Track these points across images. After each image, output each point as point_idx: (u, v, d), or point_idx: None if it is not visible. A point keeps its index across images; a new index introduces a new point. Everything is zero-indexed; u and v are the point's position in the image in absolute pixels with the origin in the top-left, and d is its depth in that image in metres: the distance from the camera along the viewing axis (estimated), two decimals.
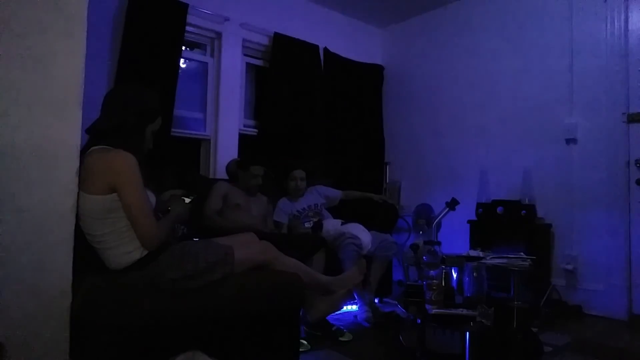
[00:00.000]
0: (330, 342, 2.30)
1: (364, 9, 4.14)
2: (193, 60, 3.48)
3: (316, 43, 3.91)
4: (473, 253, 2.35)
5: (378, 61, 4.48)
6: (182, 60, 3.18)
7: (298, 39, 3.79)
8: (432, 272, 2.08)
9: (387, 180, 4.34)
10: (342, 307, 2.15)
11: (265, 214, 2.96)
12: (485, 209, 3.31)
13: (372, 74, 4.40)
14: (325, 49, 4.00)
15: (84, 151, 1.51)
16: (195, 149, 3.50)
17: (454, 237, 3.36)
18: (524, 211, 3.11)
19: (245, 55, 3.68)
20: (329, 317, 2.30)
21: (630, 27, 2.91)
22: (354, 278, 2.17)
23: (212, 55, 3.50)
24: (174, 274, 1.50)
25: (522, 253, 2.24)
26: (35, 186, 1.34)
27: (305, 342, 2.18)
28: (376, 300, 2.93)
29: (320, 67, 3.95)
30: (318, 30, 4.00)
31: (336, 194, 3.33)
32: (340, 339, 2.34)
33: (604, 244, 2.93)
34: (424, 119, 4.12)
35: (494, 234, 3.14)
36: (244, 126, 3.66)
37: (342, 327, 2.43)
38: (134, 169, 1.50)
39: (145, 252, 1.55)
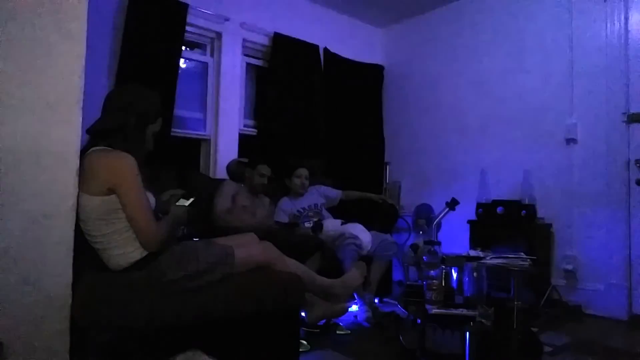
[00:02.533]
0: (328, 335, 2.33)
1: (364, 9, 4.13)
2: (193, 60, 3.48)
3: (316, 43, 3.91)
4: (473, 253, 2.35)
5: (378, 61, 4.48)
6: (182, 60, 3.18)
7: (298, 39, 3.79)
8: (432, 272, 2.08)
9: (387, 180, 4.34)
10: (345, 313, 2.14)
11: (268, 216, 2.96)
12: (485, 209, 3.31)
13: (372, 74, 4.40)
14: (325, 49, 4.00)
15: (84, 151, 1.51)
16: (195, 149, 3.50)
17: (454, 237, 3.36)
18: (524, 211, 3.11)
19: (245, 55, 3.68)
20: None
21: (630, 27, 2.91)
22: (355, 281, 2.16)
23: (212, 55, 3.50)
24: (174, 274, 1.50)
25: (522, 253, 2.24)
26: (35, 186, 1.34)
27: (305, 342, 2.18)
28: (376, 300, 2.93)
29: (320, 67, 3.95)
30: (318, 30, 4.00)
31: (336, 194, 3.33)
32: (338, 332, 2.38)
33: (604, 244, 2.93)
34: (424, 119, 4.12)
35: (494, 234, 3.13)
36: (244, 126, 3.66)
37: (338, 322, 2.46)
38: (133, 170, 1.50)
39: (146, 253, 1.55)
